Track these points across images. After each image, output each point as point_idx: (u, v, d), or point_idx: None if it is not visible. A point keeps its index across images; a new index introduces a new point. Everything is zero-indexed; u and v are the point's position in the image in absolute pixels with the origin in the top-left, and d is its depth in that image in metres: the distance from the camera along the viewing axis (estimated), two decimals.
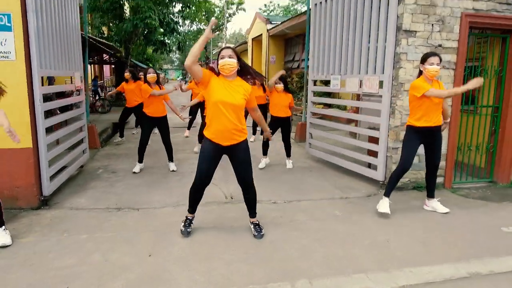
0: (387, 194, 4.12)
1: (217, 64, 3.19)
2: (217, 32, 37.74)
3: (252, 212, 3.56)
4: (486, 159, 5.50)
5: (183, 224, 3.54)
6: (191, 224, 3.55)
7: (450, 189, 5.05)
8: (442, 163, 5.05)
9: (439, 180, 5.07)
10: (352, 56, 5.52)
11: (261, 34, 21.01)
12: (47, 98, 5.08)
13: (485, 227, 3.76)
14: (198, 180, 3.39)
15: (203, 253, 3.11)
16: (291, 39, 18.99)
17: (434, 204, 4.22)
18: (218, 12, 33.04)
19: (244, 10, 34.86)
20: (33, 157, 4.06)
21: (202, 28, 35.62)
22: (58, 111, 6.71)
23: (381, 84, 4.96)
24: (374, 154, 5.28)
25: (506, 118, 5.24)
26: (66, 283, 2.62)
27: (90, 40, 9.57)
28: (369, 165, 5.51)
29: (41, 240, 3.29)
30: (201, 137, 7.31)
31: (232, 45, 3.73)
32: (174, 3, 18.05)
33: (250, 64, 22.68)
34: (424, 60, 3.92)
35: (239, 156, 3.30)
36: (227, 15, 32.10)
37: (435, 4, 4.71)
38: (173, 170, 5.90)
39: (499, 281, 2.75)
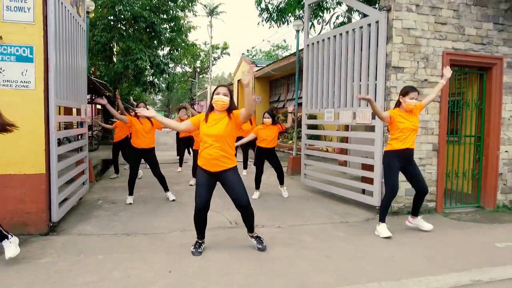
0: (382, 220, 4.33)
1: (211, 98, 3.53)
2: (201, 75, 38.75)
3: (250, 228, 3.77)
4: (473, 185, 5.85)
5: (193, 246, 3.67)
6: (202, 246, 3.68)
7: (442, 214, 5.32)
8: (433, 189, 5.37)
9: (431, 205, 5.38)
10: (345, 90, 5.94)
11: None
12: None
13: (481, 243, 4.02)
14: (198, 207, 3.58)
15: (220, 268, 3.22)
16: (276, 80, 19.77)
17: (418, 222, 4.46)
18: (203, 55, 34.14)
19: (228, 54, 36.13)
20: (45, 183, 4.15)
21: (187, 70, 36.69)
22: None
23: (373, 115, 5.34)
24: (367, 181, 5.57)
25: (488, 147, 5.67)
26: None
27: (90, 78, 9.84)
28: (363, 191, 5.78)
29: (59, 261, 3.34)
30: (195, 170, 7.47)
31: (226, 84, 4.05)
32: (162, 46, 18.74)
33: (236, 104, 23.23)
34: (405, 93, 4.28)
35: (229, 180, 3.53)
36: (212, 58, 33.20)
37: (419, 44, 5.23)
38: (173, 200, 5.98)
39: (499, 287, 2.96)
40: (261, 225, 4.57)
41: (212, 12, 31.41)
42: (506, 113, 5.67)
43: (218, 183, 3.62)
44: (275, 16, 13.57)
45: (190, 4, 18.58)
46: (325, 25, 7.13)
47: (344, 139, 8.47)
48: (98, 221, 4.81)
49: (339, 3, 9.80)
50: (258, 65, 20.96)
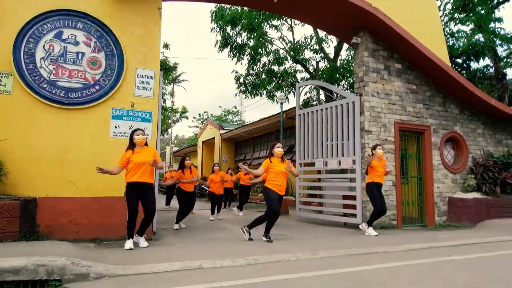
0: (370, 224, 6.81)
1: (272, 150, 6.03)
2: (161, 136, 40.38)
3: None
4: (418, 211, 8.57)
5: (266, 239, 5.85)
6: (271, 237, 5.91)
7: (401, 229, 7.88)
8: (395, 212, 7.96)
9: (394, 222, 7.93)
10: (331, 146, 8.59)
11: (213, 138, 24.20)
12: None
13: (430, 235, 6.59)
14: (274, 211, 5.81)
15: (283, 244, 5.38)
16: (242, 142, 22.45)
17: (371, 230, 6.86)
18: (163, 117, 36.27)
19: (187, 118, 38.63)
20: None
21: None
22: None
23: (353, 162, 7.98)
24: (349, 207, 8.01)
25: (426, 184, 8.51)
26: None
27: None
28: (344, 214, 8.22)
29: (190, 245, 5.28)
30: (213, 209, 9.50)
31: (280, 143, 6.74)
32: None
33: (201, 163, 25.12)
34: (374, 148, 7.03)
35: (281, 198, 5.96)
36: (170, 121, 35.40)
37: (380, 116, 8.11)
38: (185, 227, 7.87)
39: (444, 249, 5.44)
40: (291, 236, 6.75)
41: (174, 80, 34.31)
42: (435, 161, 8.64)
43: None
44: (249, 88, 16.46)
45: (166, 75, 21.24)
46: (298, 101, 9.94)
47: (317, 179, 10.90)
48: (174, 236, 6.61)
49: (321, 87, 12.77)
50: (225, 128, 23.64)
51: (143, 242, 5.32)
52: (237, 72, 16.02)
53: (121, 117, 6.01)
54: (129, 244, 5.07)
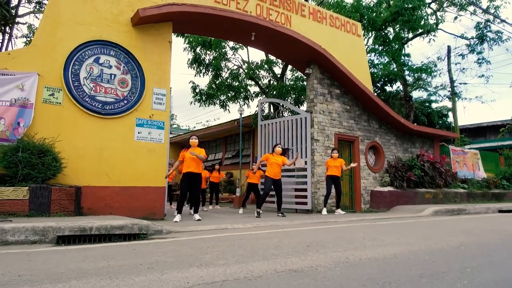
0: (325, 206, 9.43)
1: (273, 149, 8.39)
2: None
3: (280, 208, 8.39)
4: (349, 200, 11.40)
5: (256, 215, 8.15)
6: (260, 213, 8.17)
7: None
8: (334, 200, 10.65)
9: (334, 209, 10.61)
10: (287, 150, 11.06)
11: None
12: None
13: (359, 215, 9.33)
14: (266, 192, 8.24)
15: (275, 219, 7.65)
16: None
17: (339, 210, 9.64)
18: None
19: None
20: (165, 191, 7.94)
21: None
22: None
23: (305, 162, 10.52)
24: (300, 197, 10.54)
25: (356, 180, 11.38)
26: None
27: None
28: (296, 203, 10.75)
29: (203, 218, 7.30)
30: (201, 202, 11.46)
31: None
32: None
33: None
34: (332, 151, 9.71)
35: (279, 184, 8.34)
36: None
37: (324, 129, 10.79)
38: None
39: (371, 220, 8.14)
40: (266, 216, 9.02)
41: None
42: (362, 163, 11.57)
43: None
44: (204, 98, 18.43)
45: None
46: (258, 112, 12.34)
47: None
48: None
49: (278, 103, 15.21)
50: (172, 133, 25.14)
51: (197, 216, 7.59)
52: (194, 83, 17.90)
53: (142, 125, 7.81)
54: (177, 217, 7.27)
